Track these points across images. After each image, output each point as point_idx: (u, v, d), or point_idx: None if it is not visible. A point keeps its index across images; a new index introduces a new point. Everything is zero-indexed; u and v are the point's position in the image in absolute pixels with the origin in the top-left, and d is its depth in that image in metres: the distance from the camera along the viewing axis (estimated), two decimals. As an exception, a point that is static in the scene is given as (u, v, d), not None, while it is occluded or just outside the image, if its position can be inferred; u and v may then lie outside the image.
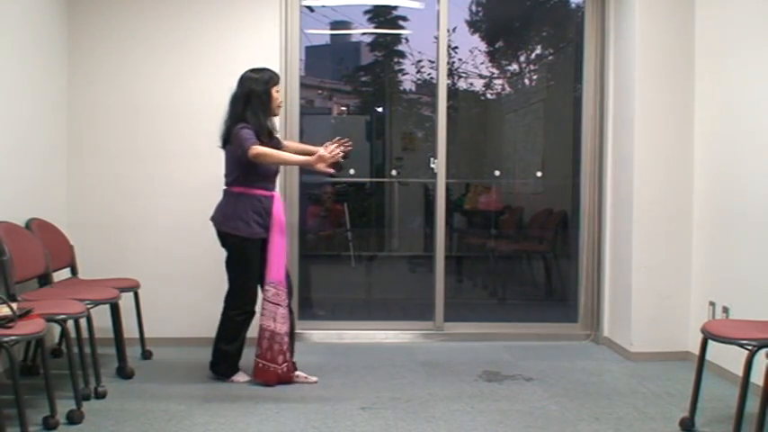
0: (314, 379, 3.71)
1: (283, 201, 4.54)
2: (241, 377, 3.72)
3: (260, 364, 3.63)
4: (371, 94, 6.89)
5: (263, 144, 3.51)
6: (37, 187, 4.04)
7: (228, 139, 3.60)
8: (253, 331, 3.71)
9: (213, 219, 3.69)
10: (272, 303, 3.60)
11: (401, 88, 6.79)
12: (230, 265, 3.68)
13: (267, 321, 3.60)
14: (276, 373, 3.61)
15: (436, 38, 4.75)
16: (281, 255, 3.64)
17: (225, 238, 3.66)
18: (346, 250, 6.27)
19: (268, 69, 3.71)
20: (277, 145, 3.69)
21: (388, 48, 6.56)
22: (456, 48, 5.73)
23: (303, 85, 4.75)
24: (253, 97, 3.59)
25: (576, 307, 4.86)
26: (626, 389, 3.67)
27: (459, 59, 6.00)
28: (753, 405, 2.68)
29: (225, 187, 3.68)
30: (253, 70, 3.69)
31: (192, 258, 4.43)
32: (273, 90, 3.64)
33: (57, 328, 3.88)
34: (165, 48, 4.43)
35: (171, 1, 4.42)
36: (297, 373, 3.71)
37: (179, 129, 4.44)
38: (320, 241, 6.32)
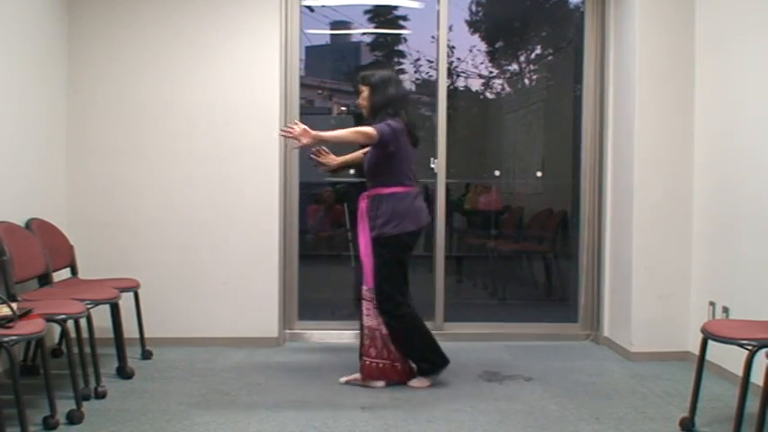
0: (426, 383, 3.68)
1: (283, 201, 4.56)
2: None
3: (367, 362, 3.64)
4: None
5: None
6: (37, 187, 4.04)
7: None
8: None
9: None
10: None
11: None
12: None
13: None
14: (379, 368, 3.62)
15: (433, 37, 4.76)
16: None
17: None
18: (346, 250, 6.27)
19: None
20: None
21: (388, 48, 6.55)
22: (456, 48, 5.73)
23: (303, 85, 4.75)
24: None
25: (575, 307, 4.86)
26: (626, 389, 3.67)
27: (460, 59, 6.00)
28: (753, 405, 2.68)
29: None
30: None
31: (193, 258, 4.44)
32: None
33: (57, 328, 3.89)
34: (164, 47, 4.42)
35: (171, 1, 4.42)
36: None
37: (178, 129, 4.44)
38: (320, 241, 6.32)
